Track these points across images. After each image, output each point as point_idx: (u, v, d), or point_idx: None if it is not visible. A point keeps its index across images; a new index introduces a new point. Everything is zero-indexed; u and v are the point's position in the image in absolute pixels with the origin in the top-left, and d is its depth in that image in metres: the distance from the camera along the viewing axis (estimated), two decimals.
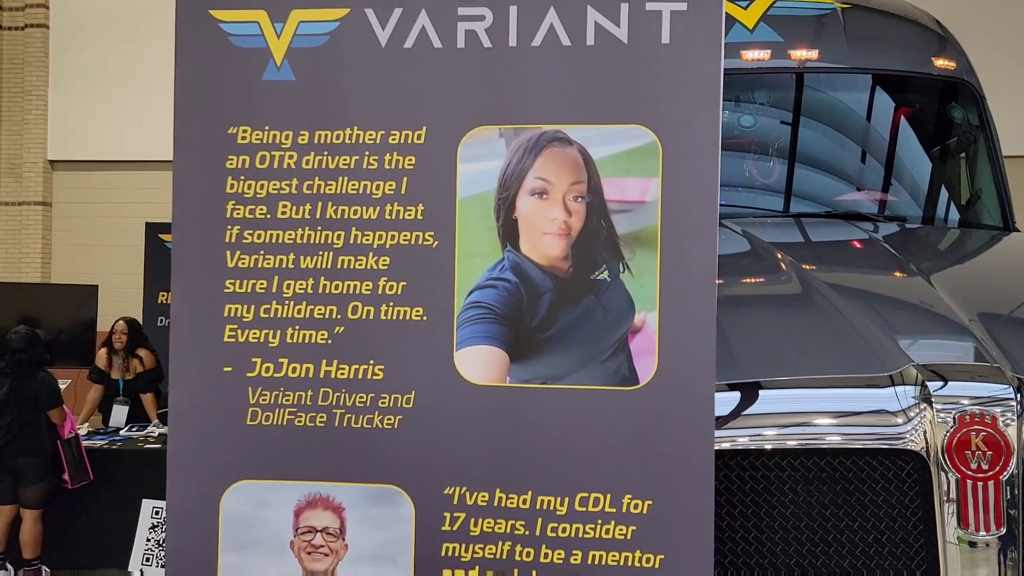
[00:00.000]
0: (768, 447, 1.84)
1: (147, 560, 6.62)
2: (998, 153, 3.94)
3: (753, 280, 2.60)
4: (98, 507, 7.19)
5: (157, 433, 7.41)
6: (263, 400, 1.71)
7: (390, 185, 1.70)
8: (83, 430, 7.09)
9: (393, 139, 1.69)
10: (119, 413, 7.97)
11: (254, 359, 1.72)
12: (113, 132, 10.97)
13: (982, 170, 3.93)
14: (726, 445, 1.78)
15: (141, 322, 8.26)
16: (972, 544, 1.78)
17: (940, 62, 3.83)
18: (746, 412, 1.88)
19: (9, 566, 6.76)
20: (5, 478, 5.52)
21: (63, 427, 6.11)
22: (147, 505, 6.80)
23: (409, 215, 1.69)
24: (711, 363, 1.60)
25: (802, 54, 3.42)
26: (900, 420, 1.82)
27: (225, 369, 1.72)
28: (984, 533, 1.76)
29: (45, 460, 5.71)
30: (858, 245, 3.05)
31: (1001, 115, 3.96)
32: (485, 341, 1.67)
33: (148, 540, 6.72)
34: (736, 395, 1.86)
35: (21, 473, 5.59)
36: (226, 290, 1.72)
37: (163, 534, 6.65)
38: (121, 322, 7.84)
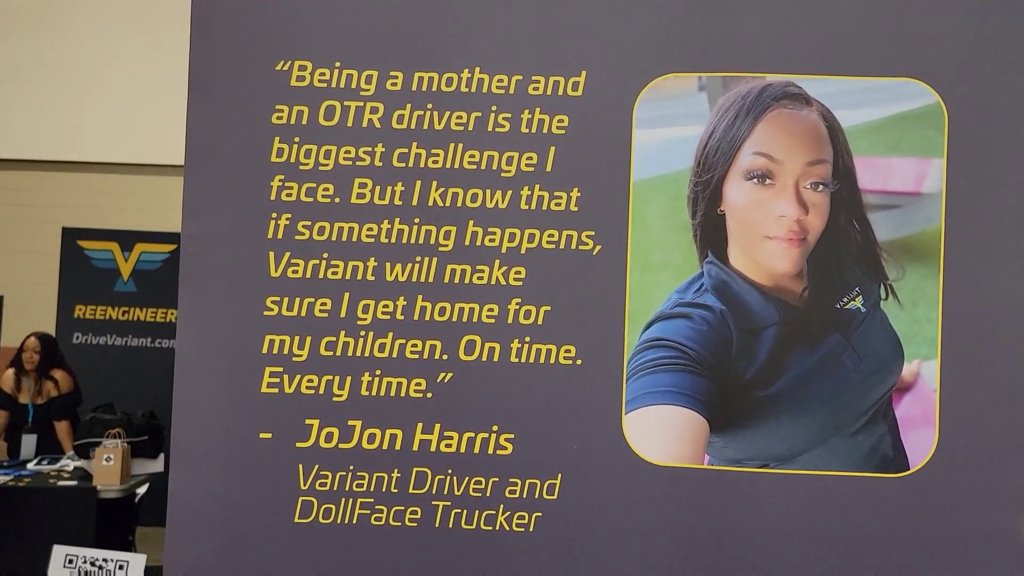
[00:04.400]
0: None
1: None
2: None
3: None
4: (1, 553, 6.29)
5: (72, 467, 6.53)
6: (321, 486, 1.09)
7: (529, 158, 1.12)
8: None
9: (535, 89, 1.12)
10: (28, 443, 7.03)
11: (308, 422, 1.10)
12: (25, 129, 9.94)
13: None
14: None
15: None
16: None
17: None
18: None
19: None
20: None
21: None
22: (59, 552, 5.94)
23: (558, 205, 1.11)
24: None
25: None
26: None
27: (262, 436, 1.09)
28: None
29: None
30: None
31: None
32: (673, 399, 1.10)
33: None
34: None
35: None
36: (267, 312, 1.10)
37: None
38: (33, 338, 6.93)
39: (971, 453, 1.08)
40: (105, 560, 6.58)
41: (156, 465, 6.96)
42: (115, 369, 8.35)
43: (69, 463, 6.80)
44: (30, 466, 6.87)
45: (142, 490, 7.22)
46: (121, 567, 6.45)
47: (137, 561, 6.60)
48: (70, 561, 6.56)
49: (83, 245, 8.90)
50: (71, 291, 9.06)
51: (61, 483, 6.56)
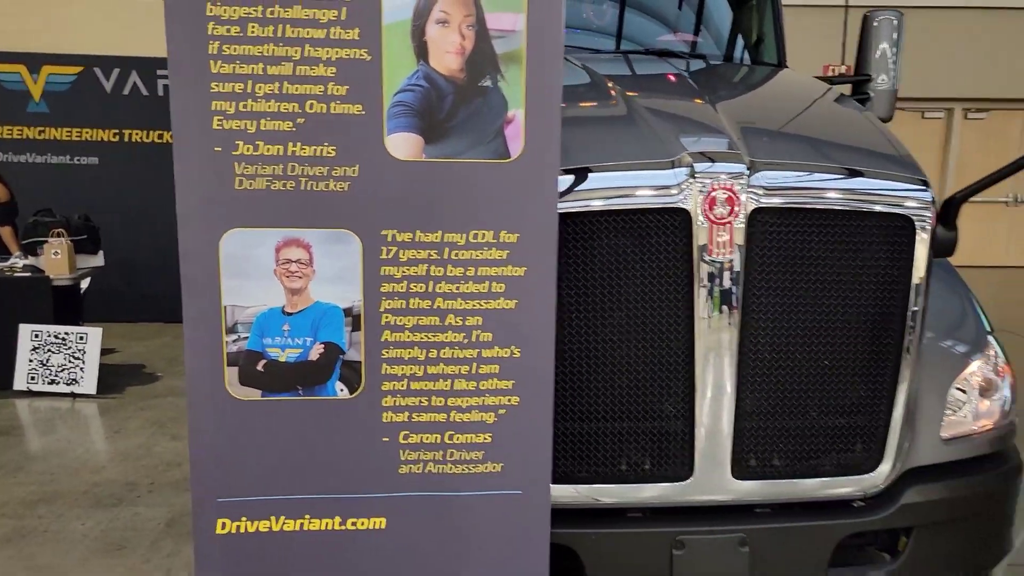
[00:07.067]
0: (589, 210, 2.77)
1: (32, 378, 6.99)
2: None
3: (589, 103, 3.47)
4: None
5: (22, 264, 7.53)
6: (246, 172, 2.39)
7: (334, 13, 2.35)
8: None
9: None
10: None
11: (237, 142, 2.37)
12: None
13: (767, 15, 4.96)
14: (564, 208, 2.68)
15: None
16: (713, 263, 2.82)
17: None
18: (578, 188, 2.77)
19: None
20: None
21: None
22: (25, 329, 7.07)
23: (348, 36, 2.36)
24: (557, 145, 2.45)
25: None
26: (678, 190, 2.79)
27: (216, 149, 2.37)
28: (722, 257, 2.79)
29: None
30: (669, 78, 3.98)
31: None
32: (407, 129, 2.42)
33: (31, 361, 7.03)
34: (571, 177, 2.75)
35: None
36: (212, 90, 2.34)
37: (47, 354, 7.00)
38: None
39: (535, 152, 2.46)
40: (67, 334, 7.87)
41: (96, 260, 8.07)
42: (39, 185, 9.09)
43: (18, 261, 7.84)
44: None
45: (86, 283, 8.33)
46: (81, 338, 7.73)
47: (95, 333, 7.90)
48: (36, 336, 7.84)
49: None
50: None
51: (16, 275, 7.64)
